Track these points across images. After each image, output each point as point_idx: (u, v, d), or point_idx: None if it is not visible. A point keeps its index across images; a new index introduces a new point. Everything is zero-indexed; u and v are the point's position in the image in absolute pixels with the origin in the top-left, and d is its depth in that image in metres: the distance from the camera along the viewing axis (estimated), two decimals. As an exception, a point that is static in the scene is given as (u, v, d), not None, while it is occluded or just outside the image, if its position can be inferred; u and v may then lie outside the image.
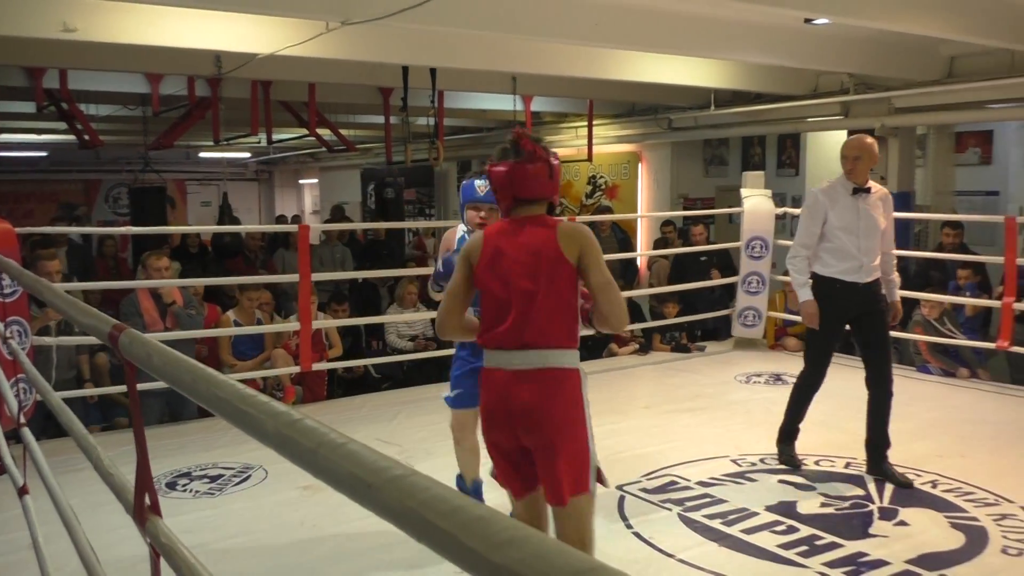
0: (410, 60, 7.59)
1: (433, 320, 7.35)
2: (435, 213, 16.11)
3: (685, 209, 11.17)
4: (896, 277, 4.56)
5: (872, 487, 4.15)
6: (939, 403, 5.68)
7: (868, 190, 4.31)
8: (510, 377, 2.46)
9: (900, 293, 6.71)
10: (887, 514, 3.83)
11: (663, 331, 7.66)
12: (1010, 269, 5.92)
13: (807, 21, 6.55)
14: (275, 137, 10.93)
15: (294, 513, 3.96)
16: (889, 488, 4.13)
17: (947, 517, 3.78)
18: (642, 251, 11.08)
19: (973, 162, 10.21)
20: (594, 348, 7.56)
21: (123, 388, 5.30)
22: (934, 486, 4.16)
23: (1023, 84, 7.39)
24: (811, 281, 4.37)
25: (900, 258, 7.31)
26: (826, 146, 10.56)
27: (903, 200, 8.75)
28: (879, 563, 3.33)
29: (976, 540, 3.53)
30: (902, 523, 3.73)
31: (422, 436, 5.16)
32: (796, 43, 7.15)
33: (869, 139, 4.36)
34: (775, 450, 4.62)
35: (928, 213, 8.71)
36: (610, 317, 2.54)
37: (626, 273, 8.96)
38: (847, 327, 4.43)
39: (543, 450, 2.46)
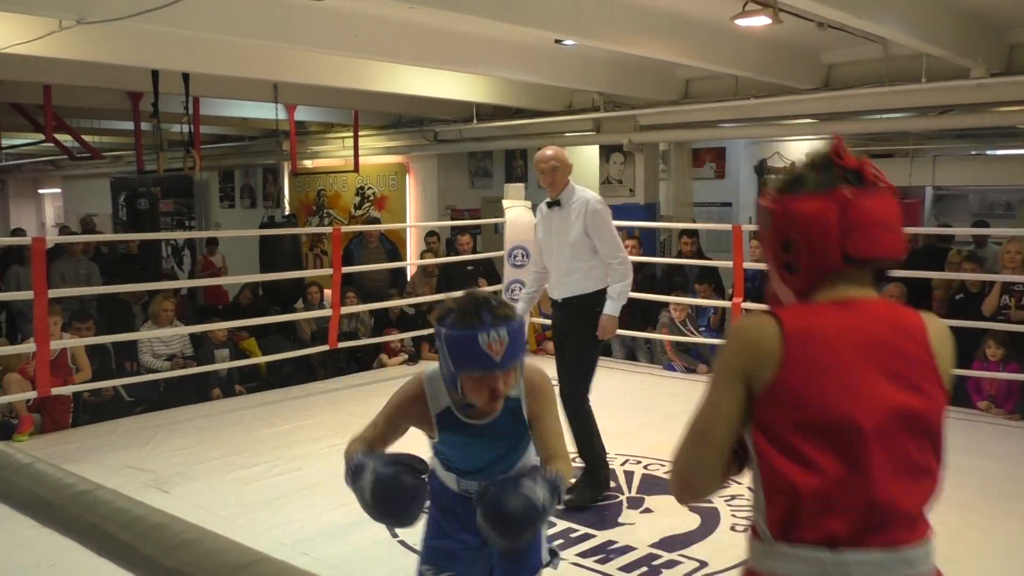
0: (160, 64, 7.19)
1: (193, 336, 7.03)
2: (195, 224, 15.33)
3: (452, 219, 11.40)
4: (614, 290, 4.15)
5: (622, 479, 4.45)
6: (682, 397, 6.17)
7: (558, 203, 4.15)
8: None
9: (648, 296, 7.27)
10: (635, 503, 4.12)
11: (431, 340, 7.75)
12: (738, 273, 6.56)
13: (558, 42, 6.92)
14: (5, 143, 9.94)
15: (29, 554, 3.62)
16: (637, 479, 4.44)
17: (685, 501, 4.12)
18: (411, 261, 11.17)
19: (709, 176, 11.23)
20: (363, 360, 7.52)
21: None
22: (675, 473, 4.52)
23: (748, 106, 8.23)
24: (527, 297, 4.44)
25: (647, 265, 7.92)
26: (581, 159, 11.19)
27: (649, 211, 9.46)
28: (626, 549, 3.58)
29: (710, 520, 3.89)
30: (648, 510, 4.04)
31: (178, 460, 4.89)
32: (549, 62, 7.53)
33: (552, 150, 4.20)
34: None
35: (671, 223, 9.43)
36: None
37: (396, 283, 8.98)
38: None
39: None
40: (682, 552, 3.55)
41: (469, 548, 2.23)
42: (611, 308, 4.12)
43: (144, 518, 0.62)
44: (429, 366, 2.19)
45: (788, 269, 1.48)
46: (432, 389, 2.12)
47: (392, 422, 2.19)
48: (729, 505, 4.07)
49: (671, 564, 3.43)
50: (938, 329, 1.49)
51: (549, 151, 4.20)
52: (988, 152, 13.64)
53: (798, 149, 12.45)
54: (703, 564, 3.43)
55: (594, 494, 4.12)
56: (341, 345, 6.86)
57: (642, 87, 8.47)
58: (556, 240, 4.17)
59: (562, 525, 3.84)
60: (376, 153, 11.88)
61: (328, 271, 6.97)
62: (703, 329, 7.18)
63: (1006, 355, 5.55)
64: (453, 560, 2.24)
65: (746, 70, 7.27)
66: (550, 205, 4.20)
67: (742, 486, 4.29)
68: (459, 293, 2.11)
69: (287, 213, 12.13)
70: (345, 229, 7.76)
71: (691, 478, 1.49)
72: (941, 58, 6.54)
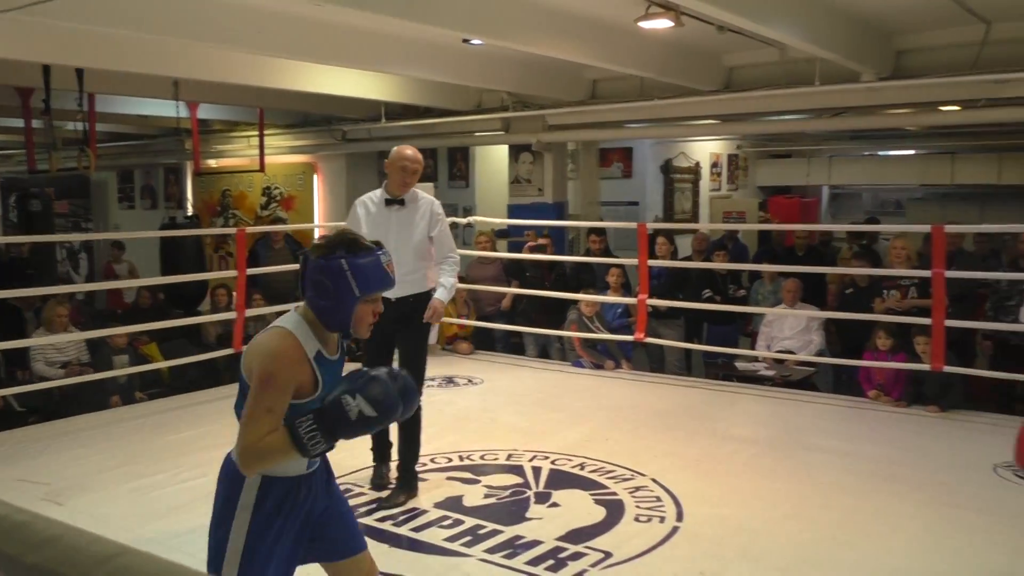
0: (51, 58, 6.90)
1: (90, 342, 6.76)
2: (92, 227, 14.76)
3: (362, 220, 11.29)
4: (447, 280, 4.28)
5: (530, 475, 4.50)
6: (589, 393, 6.29)
7: (402, 202, 4.20)
8: None
9: (556, 294, 7.36)
10: (542, 498, 4.17)
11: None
12: (643, 270, 6.70)
13: (465, 41, 6.94)
14: None
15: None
16: (544, 474, 4.50)
17: (592, 495, 4.20)
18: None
19: (617, 175, 11.43)
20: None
21: None
22: (582, 468, 4.60)
23: (652, 106, 8.40)
24: None
25: (557, 263, 8.02)
26: (493, 159, 11.26)
27: (558, 210, 9.58)
28: (533, 543, 3.62)
29: (615, 512, 3.97)
30: (555, 504, 4.09)
31: (74, 471, 4.70)
32: (457, 61, 7.53)
33: (412, 150, 4.23)
34: (445, 449, 4.84)
35: (579, 222, 9.56)
36: None
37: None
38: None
39: None
40: (588, 544, 3.61)
41: (292, 537, 2.26)
42: (444, 296, 4.27)
43: (6, 517, 0.62)
44: (282, 321, 2.23)
45: None
46: (303, 336, 2.18)
47: (287, 393, 2.14)
48: (633, 497, 4.16)
49: (577, 556, 3.49)
50: None
51: (411, 151, 4.22)
52: (880, 153, 14.30)
53: (702, 149, 12.81)
54: (608, 555, 3.50)
55: (410, 493, 4.17)
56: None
57: (550, 87, 8.56)
58: (396, 239, 4.05)
59: (469, 522, 3.86)
60: (283, 152, 11.68)
61: (233, 273, 6.83)
62: (617, 323, 7.31)
63: (894, 345, 5.83)
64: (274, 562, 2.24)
65: (650, 71, 7.42)
66: (389, 203, 4.20)
67: (646, 478, 4.41)
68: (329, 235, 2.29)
69: (189, 214, 11.80)
70: (250, 230, 7.60)
71: None
72: (833, 62, 6.80)
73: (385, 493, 4.20)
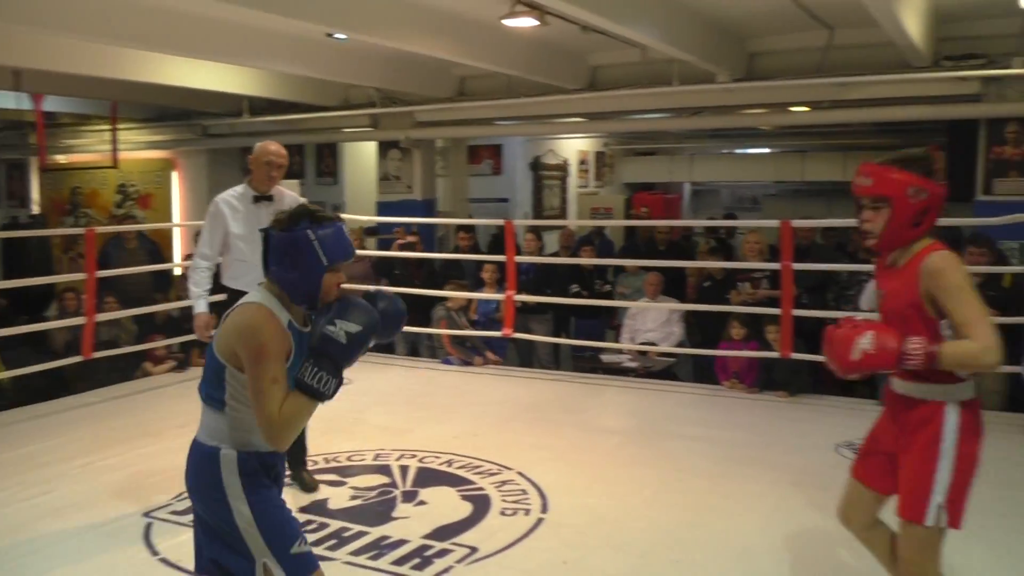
0: None
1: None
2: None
3: (226, 218, 10.92)
4: None
5: (397, 474, 4.46)
6: (458, 390, 6.30)
7: (270, 198, 4.13)
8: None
9: (425, 291, 7.32)
10: (409, 496, 4.14)
11: (201, 345, 7.39)
12: (510, 266, 6.75)
13: (329, 35, 6.80)
14: None
15: None
16: (412, 472, 4.48)
17: (459, 491, 4.20)
18: (180, 262, 10.58)
19: (487, 172, 11.51)
20: (126, 369, 7.03)
21: None
22: (450, 464, 4.60)
23: (520, 104, 8.49)
24: (207, 293, 4.17)
25: (426, 261, 7.99)
26: (361, 156, 11.11)
27: (427, 207, 9.55)
28: (399, 543, 3.59)
29: (481, 507, 3.98)
30: (421, 502, 4.07)
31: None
32: (321, 55, 7.38)
33: (274, 145, 4.14)
34: (311, 452, 4.73)
35: (448, 219, 9.56)
36: None
37: (159, 285, 8.47)
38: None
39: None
40: (454, 540, 3.60)
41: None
42: None
43: None
44: (250, 297, 2.21)
45: (915, 225, 2.37)
46: (274, 307, 2.18)
47: (282, 359, 2.15)
48: (500, 491, 4.19)
49: (443, 553, 3.48)
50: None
51: (275, 146, 4.16)
52: (737, 151, 14.96)
53: (570, 147, 13.04)
54: (474, 550, 3.51)
55: (311, 472, 4.34)
56: (97, 355, 6.37)
57: (418, 83, 8.51)
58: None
59: (335, 525, 3.79)
60: (139, 148, 11.15)
61: (83, 276, 6.47)
62: (486, 317, 7.34)
63: (747, 335, 6.10)
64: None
65: (516, 69, 7.49)
66: (257, 199, 4.13)
67: (512, 471, 4.45)
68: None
69: (34, 213, 11.10)
70: (100, 230, 7.21)
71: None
72: (691, 63, 7.06)
73: None
